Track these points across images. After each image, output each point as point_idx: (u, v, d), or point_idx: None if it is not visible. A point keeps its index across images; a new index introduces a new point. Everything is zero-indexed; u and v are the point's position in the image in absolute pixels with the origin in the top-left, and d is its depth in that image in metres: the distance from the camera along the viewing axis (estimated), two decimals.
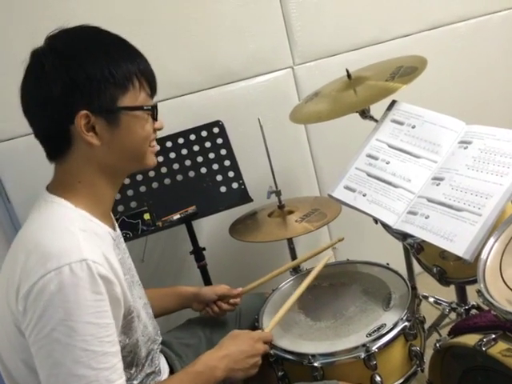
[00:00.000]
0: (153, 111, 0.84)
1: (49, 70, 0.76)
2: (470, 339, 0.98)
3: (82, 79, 0.76)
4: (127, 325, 0.82)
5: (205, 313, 1.20)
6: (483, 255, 0.85)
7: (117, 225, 0.95)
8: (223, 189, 1.50)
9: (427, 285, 1.40)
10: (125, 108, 0.80)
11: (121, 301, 0.78)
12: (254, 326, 1.14)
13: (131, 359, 0.86)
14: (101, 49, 0.79)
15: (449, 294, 1.44)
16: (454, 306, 1.33)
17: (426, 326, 1.48)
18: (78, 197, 0.82)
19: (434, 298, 1.56)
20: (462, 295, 1.33)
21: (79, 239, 0.74)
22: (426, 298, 1.57)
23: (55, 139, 0.80)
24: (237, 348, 0.94)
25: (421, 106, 1.21)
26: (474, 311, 1.29)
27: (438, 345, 1.05)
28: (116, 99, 0.79)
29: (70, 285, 0.70)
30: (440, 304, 1.49)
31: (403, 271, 1.50)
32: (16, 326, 0.75)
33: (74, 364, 0.70)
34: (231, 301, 1.19)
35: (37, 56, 0.79)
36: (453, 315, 1.46)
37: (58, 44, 0.79)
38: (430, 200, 1.04)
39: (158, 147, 0.91)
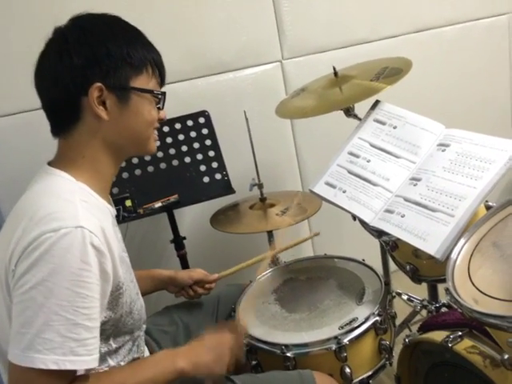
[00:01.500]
0: (161, 98, 0.88)
1: (72, 43, 0.81)
2: (438, 336, 1.01)
3: (103, 54, 0.81)
4: (113, 300, 0.83)
5: (179, 295, 1.22)
6: (453, 255, 0.88)
7: (113, 205, 0.96)
8: (206, 179, 1.51)
9: (402, 282, 1.44)
10: (136, 89, 0.84)
11: (110, 275, 0.78)
12: (231, 315, 1.16)
13: (111, 332, 0.86)
14: (122, 32, 0.85)
15: (422, 291, 1.48)
16: (425, 303, 1.37)
17: (399, 321, 1.54)
18: (80, 171, 0.84)
19: (408, 295, 1.61)
20: (433, 293, 1.37)
21: (78, 208, 0.76)
22: (399, 294, 1.62)
23: (66, 111, 0.83)
24: (200, 343, 0.91)
25: (404, 107, 1.24)
26: (444, 309, 1.33)
27: (407, 340, 1.08)
28: (130, 79, 0.83)
29: (60, 248, 0.71)
30: (412, 301, 1.53)
31: (379, 268, 1.54)
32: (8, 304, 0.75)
33: (44, 326, 0.70)
34: (206, 285, 1.21)
35: (60, 31, 0.84)
36: (424, 312, 1.51)
37: (83, 22, 0.84)
38: (406, 199, 1.07)
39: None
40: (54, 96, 0.83)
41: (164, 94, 0.89)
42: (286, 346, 1.00)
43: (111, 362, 0.86)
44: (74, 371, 0.74)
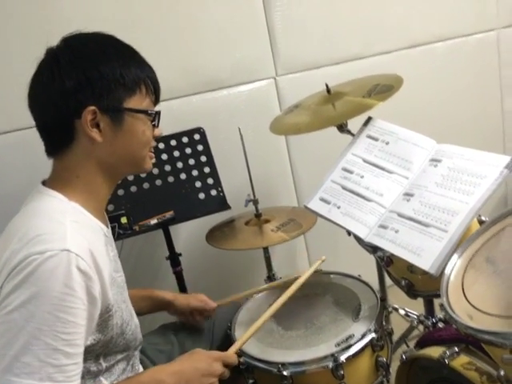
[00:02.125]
0: (155, 117, 0.88)
1: (64, 65, 0.80)
2: (435, 351, 1.01)
3: (95, 77, 0.80)
4: (102, 323, 0.82)
5: (178, 319, 1.21)
6: (447, 271, 0.89)
7: (109, 223, 0.96)
8: (202, 195, 1.52)
9: (398, 297, 1.43)
10: (130, 109, 0.84)
11: (97, 299, 0.77)
12: (227, 333, 1.15)
13: (101, 351, 0.86)
14: (114, 53, 0.84)
15: (419, 306, 1.48)
16: (421, 318, 1.36)
17: (396, 337, 1.53)
18: (73, 191, 0.84)
19: (405, 310, 1.60)
20: (429, 308, 1.37)
21: (66, 229, 0.76)
22: (396, 309, 1.61)
23: (59, 133, 0.83)
24: (191, 365, 0.89)
25: (397, 123, 1.25)
26: (440, 324, 1.32)
27: (404, 356, 1.08)
28: (123, 100, 0.83)
29: (44, 271, 0.71)
30: (409, 316, 1.53)
31: (376, 283, 1.54)
32: None
33: (23, 349, 0.69)
34: (205, 313, 1.20)
35: (52, 52, 0.83)
36: (422, 327, 1.50)
37: (75, 43, 0.84)
38: (400, 215, 1.07)
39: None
40: (47, 118, 0.83)
41: (158, 112, 0.89)
42: (283, 364, 0.99)
43: (105, 382, 0.85)
44: None
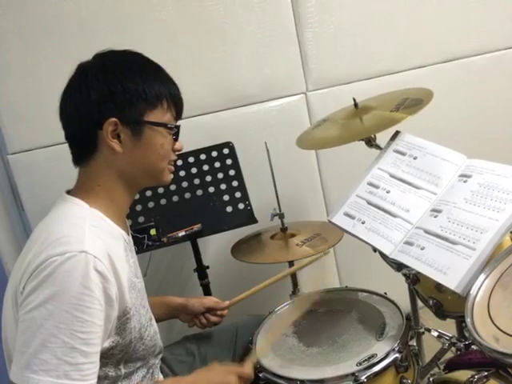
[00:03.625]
0: (175, 131, 0.91)
1: (91, 79, 0.86)
2: (463, 375, 0.96)
3: (118, 91, 0.85)
4: (121, 325, 0.84)
5: (192, 324, 1.22)
6: (473, 290, 0.85)
7: (130, 231, 0.99)
8: (229, 208, 1.53)
9: (434, 318, 1.38)
10: (150, 122, 0.88)
11: (114, 301, 0.80)
12: (249, 346, 1.15)
13: (121, 357, 0.88)
14: (139, 69, 0.89)
15: (453, 327, 1.41)
16: (454, 340, 1.30)
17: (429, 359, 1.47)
18: (95, 199, 0.88)
19: (438, 331, 1.53)
20: (461, 330, 1.30)
21: (85, 233, 0.79)
22: (428, 330, 1.54)
23: (84, 143, 0.88)
24: (205, 377, 0.93)
25: (431, 139, 1.21)
26: (473, 347, 1.26)
27: (431, 379, 1.04)
28: (144, 113, 0.88)
29: (63, 271, 0.74)
30: (442, 338, 1.46)
31: (407, 302, 1.49)
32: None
33: (41, 347, 0.72)
34: (218, 313, 1.21)
35: (82, 67, 0.90)
36: (455, 349, 1.43)
37: (104, 59, 0.90)
38: (426, 231, 1.04)
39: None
40: (73, 128, 0.89)
41: (178, 126, 0.92)
42: (302, 381, 0.97)
43: None
44: None
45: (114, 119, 0.85)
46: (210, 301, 1.22)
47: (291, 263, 1.48)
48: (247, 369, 0.97)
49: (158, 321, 1.03)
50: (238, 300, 1.24)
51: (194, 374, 0.93)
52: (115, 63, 0.88)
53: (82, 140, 0.88)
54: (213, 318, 1.21)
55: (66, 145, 0.92)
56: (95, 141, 0.87)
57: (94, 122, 0.85)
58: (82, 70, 0.89)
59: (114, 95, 0.85)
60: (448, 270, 0.95)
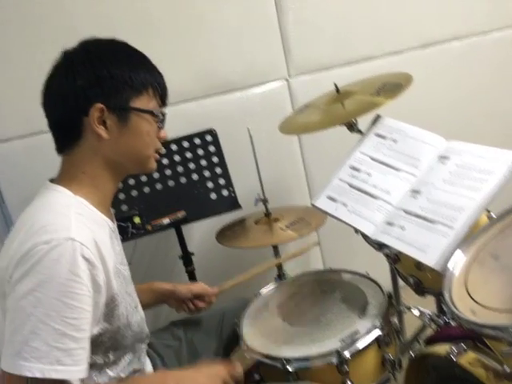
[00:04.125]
0: (161, 118, 0.91)
1: (77, 65, 0.85)
2: (442, 349, 1.00)
3: (105, 77, 0.85)
4: (109, 312, 0.85)
5: (180, 310, 1.23)
6: (450, 266, 0.88)
7: (114, 219, 0.99)
8: (213, 195, 1.54)
9: (414, 296, 1.42)
10: (136, 109, 0.88)
11: (102, 287, 0.80)
12: (235, 330, 1.17)
13: (110, 345, 0.88)
14: (125, 57, 0.89)
15: (433, 305, 1.45)
16: (433, 317, 1.34)
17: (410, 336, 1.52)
18: (79, 186, 0.87)
19: (418, 309, 1.58)
20: (441, 307, 1.35)
21: (71, 220, 0.79)
22: (409, 308, 1.59)
23: (68, 129, 0.87)
24: (192, 380, 0.90)
25: (411, 123, 1.24)
26: (453, 322, 1.30)
27: (412, 353, 1.07)
28: (130, 99, 0.87)
29: (50, 259, 0.74)
30: (422, 315, 1.51)
31: (388, 281, 1.52)
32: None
33: (31, 334, 0.72)
34: (206, 299, 1.22)
35: (68, 54, 0.88)
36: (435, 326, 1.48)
37: (90, 46, 0.89)
38: (406, 212, 1.07)
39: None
40: (57, 114, 0.88)
41: (164, 114, 0.92)
42: (288, 359, 1.00)
43: (111, 373, 0.88)
44: (62, 381, 0.74)
45: (100, 105, 0.84)
46: (199, 287, 1.23)
47: (276, 248, 1.50)
48: (236, 369, 0.96)
49: (146, 307, 1.04)
50: (227, 287, 1.26)
51: (180, 374, 0.92)
52: (101, 50, 0.88)
53: (67, 126, 0.87)
54: (200, 304, 1.22)
55: (45, 135, 0.91)
56: (80, 127, 0.86)
57: (79, 107, 0.85)
58: (68, 56, 0.88)
59: (101, 81, 0.84)
60: (427, 248, 0.98)
